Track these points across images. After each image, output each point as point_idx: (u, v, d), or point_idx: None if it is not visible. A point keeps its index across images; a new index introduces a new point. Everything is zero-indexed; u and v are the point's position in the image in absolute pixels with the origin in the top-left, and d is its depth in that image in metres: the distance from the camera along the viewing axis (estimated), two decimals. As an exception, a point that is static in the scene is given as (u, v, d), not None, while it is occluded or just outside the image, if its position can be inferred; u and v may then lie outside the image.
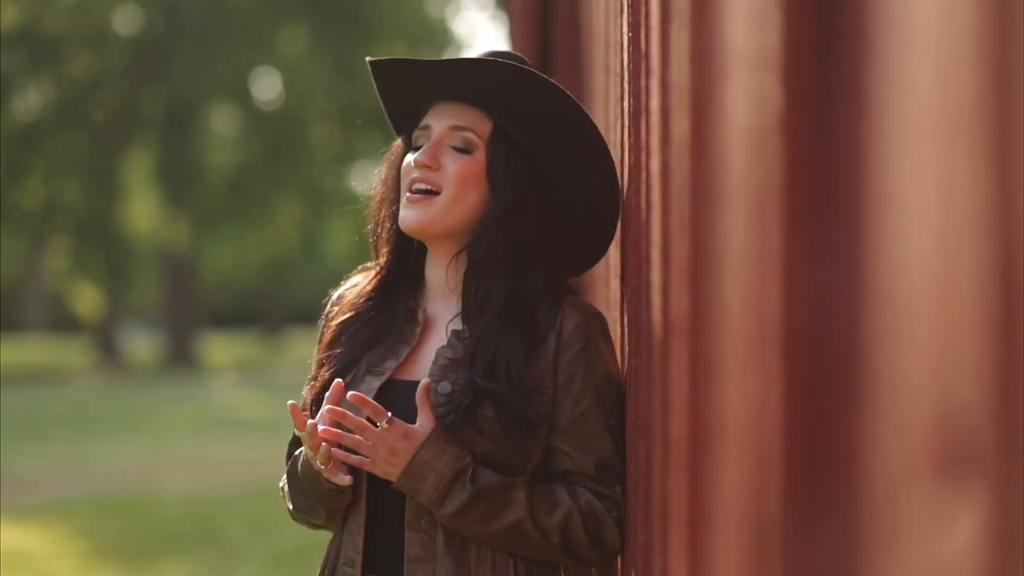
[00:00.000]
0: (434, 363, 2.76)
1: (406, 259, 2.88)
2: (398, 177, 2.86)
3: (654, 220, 2.09)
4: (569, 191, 2.82)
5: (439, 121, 2.81)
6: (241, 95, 36.93)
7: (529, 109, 2.77)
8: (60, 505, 13.43)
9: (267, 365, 37.34)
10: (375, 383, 2.77)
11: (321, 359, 2.87)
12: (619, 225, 2.87)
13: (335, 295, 2.97)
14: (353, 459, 2.69)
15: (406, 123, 2.90)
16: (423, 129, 2.82)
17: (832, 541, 1.03)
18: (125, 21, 36.45)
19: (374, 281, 2.89)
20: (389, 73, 2.87)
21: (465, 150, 2.79)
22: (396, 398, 2.75)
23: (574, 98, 2.80)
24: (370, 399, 2.66)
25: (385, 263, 2.88)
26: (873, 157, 0.95)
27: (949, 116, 0.82)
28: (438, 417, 2.70)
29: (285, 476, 2.92)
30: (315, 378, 2.86)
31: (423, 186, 2.77)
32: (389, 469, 2.68)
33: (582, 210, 2.84)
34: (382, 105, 2.92)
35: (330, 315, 2.93)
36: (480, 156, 2.78)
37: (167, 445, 18.72)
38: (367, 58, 2.89)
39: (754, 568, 1.24)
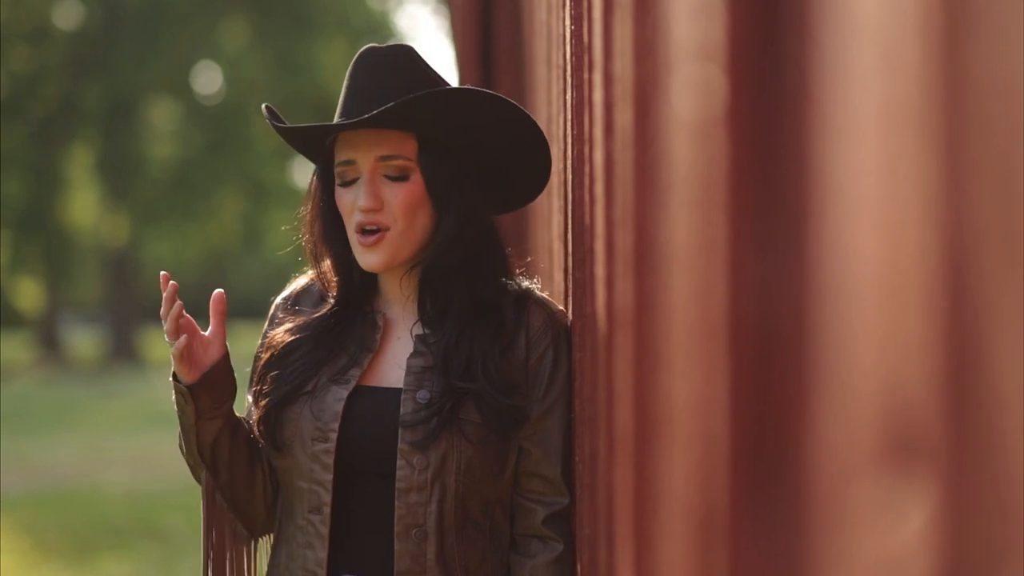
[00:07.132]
0: (407, 373, 2.72)
1: (354, 285, 2.81)
2: (325, 211, 2.79)
3: (598, 212, 2.09)
4: (500, 157, 2.76)
5: (363, 154, 2.71)
6: (182, 89, 36.76)
7: (442, 111, 2.68)
8: (1, 501, 13.34)
9: (209, 360, 36.98)
10: (342, 392, 2.72)
11: (272, 375, 2.79)
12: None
13: (285, 297, 2.90)
14: None
15: (315, 149, 2.81)
16: (347, 164, 2.73)
17: (779, 533, 1.03)
18: (64, 15, 36.27)
19: (327, 312, 2.82)
20: (295, 132, 2.76)
21: (401, 178, 2.70)
22: (364, 405, 2.72)
23: (465, 86, 2.79)
24: None
25: (337, 298, 2.81)
26: (818, 148, 0.95)
27: (894, 106, 0.82)
28: (420, 423, 2.67)
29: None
30: (261, 391, 2.79)
31: (372, 228, 2.70)
32: None
33: (516, 163, 2.78)
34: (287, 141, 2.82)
35: (279, 320, 2.87)
36: (417, 179, 2.70)
37: (109, 440, 18.63)
38: (267, 110, 2.79)
39: (700, 560, 1.24)
